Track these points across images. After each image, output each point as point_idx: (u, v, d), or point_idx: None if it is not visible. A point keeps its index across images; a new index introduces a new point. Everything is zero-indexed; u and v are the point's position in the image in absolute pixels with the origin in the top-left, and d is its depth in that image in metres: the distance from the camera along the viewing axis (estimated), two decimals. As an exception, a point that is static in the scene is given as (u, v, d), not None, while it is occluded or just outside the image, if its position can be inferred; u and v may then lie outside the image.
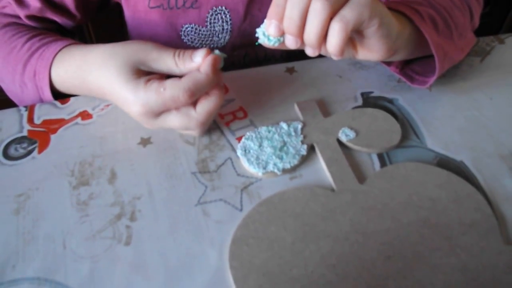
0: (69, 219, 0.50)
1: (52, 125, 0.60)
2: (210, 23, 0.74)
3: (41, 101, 0.64)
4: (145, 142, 0.57)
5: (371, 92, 0.65)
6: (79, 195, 0.52)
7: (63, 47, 0.63)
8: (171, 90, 0.50)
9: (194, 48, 0.74)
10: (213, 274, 0.45)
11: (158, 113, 0.53)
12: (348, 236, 0.47)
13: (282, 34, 0.49)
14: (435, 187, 0.52)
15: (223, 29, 0.74)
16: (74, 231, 0.49)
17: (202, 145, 0.57)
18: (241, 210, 0.51)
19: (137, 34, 0.77)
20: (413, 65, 0.66)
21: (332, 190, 0.52)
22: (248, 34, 0.76)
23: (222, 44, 0.77)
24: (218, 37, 0.75)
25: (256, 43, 0.52)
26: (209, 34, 0.75)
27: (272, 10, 0.49)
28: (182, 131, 0.57)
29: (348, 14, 0.47)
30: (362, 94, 0.65)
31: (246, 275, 0.44)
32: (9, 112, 0.62)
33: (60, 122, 0.60)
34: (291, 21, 0.47)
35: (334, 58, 0.50)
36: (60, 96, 0.64)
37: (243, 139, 0.57)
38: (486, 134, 0.60)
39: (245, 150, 0.55)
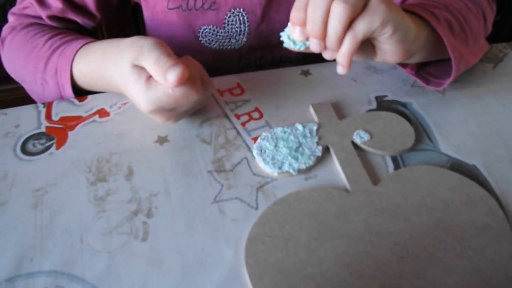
0: (87, 215, 0.50)
1: (70, 122, 0.60)
2: (228, 25, 0.74)
3: (62, 98, 0.66)
4: (162, 140, 0.58)
5: (385, 96, 0.66)
6: (96, 191, 0.52)
7: (84, 45, 0.64)
8: (181, 90, 0.51)
9: (212, 50, 0.76)
10: (228, 271, 0.46)
11: (169, 110, 0.54)
12: (362, 236, 0.48)
13: (307, 38, 0.50)
14: (448, 190, 0.52)
15: (240, 30, 0.75)
16: (91, 226, 0.49)
17: (219, 144, 0.58)
18: (256, 209, 0.51)
19: (155, 35, 0.78)
20: (429, 68, 0.67)
21: (347, 191, 0.53)
22: (264, 36, 0.77)
23: (239, 46, 0.77)
24: (235, 38, 0.76)
25: (283, 45, 0.53)
26: (227, 36, 0.75)
27: (294, 15, 0.49)
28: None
29: (358, 25, 0.48)
30: (376, 98, 0.65)
31: (262, 273, 0.45)
32: (27, 109, 0.63)
33: (78, 119, 0.61)
34: (314, 24, 0.48)
35: (340, 71, 0.51)
36: (80, 93, 0.65)
37: (259, 139, 0.57)
38: (498, 139, 0.60)
39: (261, 150, 0.56)
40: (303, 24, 0.49)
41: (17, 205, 0.51)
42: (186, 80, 0.51)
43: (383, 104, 0.64)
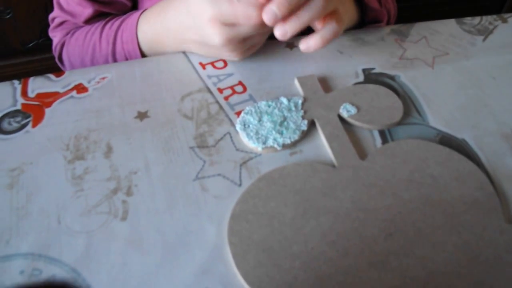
0: (64, 194, 0.49)
1: (47, 99, 0.59)
2: None
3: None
4: (142, 116, 0.56)
5: (373, 69, 0.64)
6: (74, 170, 0.51)
7: (139, 18, 0.67)
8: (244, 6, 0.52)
9: None
10: (211, 250, 0.45)
11: (227, 24, 0.54)
12: (349, 213, 0.47)
13: None
14: (437, 165, 0.51)
15: None
16: (69, 206, 0.48)
17: (201, 119, 0.56)
18: (240, 185, 0.50)
19: None
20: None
21: (333, 166, 0.52)
22: None
23: None
24: None
25: None
26: None
27: None
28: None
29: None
30: (364, 70, 0.64)
31: (245, 251, 0.44)
32: (2, 86, 0.60)
33: (55, 96, 0.59)
34: None
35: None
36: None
37: (242, 114, 0.56)
38: (488, 112, 0.59)
39: (244, 125, 0.54)
40: None
41: (-8, 185, 0.49)
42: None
43: (370, 77, 0.63)
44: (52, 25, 0.77)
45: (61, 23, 0.76)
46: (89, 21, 0.73)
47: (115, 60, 0.69)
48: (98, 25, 0.71)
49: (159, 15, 0.64)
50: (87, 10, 0.71)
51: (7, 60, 1.37)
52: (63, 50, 0.76)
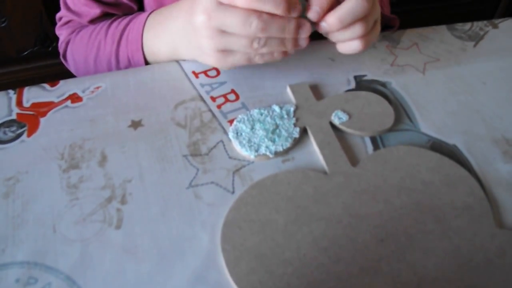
0: (59, 203, 0.49)
1: (42, 108, 0.59)
2: None
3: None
4: (136, 124, 0.57)
5: (364, 75, 0.65)
6: (69, 179, 0.51)
7: (146, 20, 0.67)
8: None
9: None
10: (205, 257, 0.45)
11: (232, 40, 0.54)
12: (341, 219, 0.47)
13: None
14: (428, 171, 0.52)
15: None
16: (64, 214, 0.48)
17: (194, 127, 0.57)
18: (233, 193, 0.50)
19: None
20: None
21: (325, 173, 0.52)
22: None
23: None
24: None
25: None
26: None
27: None
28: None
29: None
30: (355, 77, 0.64)
31: (238, 258, 0.44)
32: (-3, 95, 0.61)
33: (50, 105, 0.59)
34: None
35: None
36: None
37: (235, 122, 0.56)
38: (479, 118, 0.60)
39: (237, 133, 0.55)
40: None
41: (-12, 194, 0.50)
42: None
43: (362, 84, 0.64)
44: (58, 24, 0.78)
45: (67, 22, 0.77)
46: (95, 20, 0.74)
47: (117, 60, 0.69)
48: (103, 24, 0.72)
49: (166, 18, 0.64)
50: (94, 11, 0.72)
51: (3, 68, 1.38)
52: (68, 48, 0.77)
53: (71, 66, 0.79)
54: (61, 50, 0.79)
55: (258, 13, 0.51)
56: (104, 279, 0.43)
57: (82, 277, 0.44)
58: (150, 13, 0.68)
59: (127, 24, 0.69)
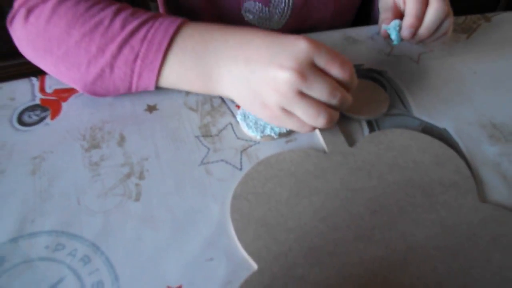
0: (82, 178, 0.53)
1: (63, 94, 0.63)
2: (273, 4, 0.75)
3: (123, 90, 0.59)
4: (151, 108, 0.61)
5: (362, 65, 0.69)
6: (91, 157, 0.55)
7: (180, 27, 0.56)
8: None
9: (250, 26, 0.75)
10: (216, 226, 0.49)
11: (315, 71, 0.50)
12: (338, 193, 0.52)
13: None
14: (419, 151, 0.56)
15: (283, 12, 0.76)
16: (87, 189, 0.52)
17: (205, 111, 0.61)
18: (241, 169, 0.54)
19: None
20: None
21: (324, 152, 0.56)
22: (301, 20, 0.79)
23: (277, 28, 0.78)
24: (276, 19, 0.77)
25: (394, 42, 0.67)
26: (269, 15, 0.76)
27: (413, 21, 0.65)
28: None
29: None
30: (354, 66, 0.67)
31: (246, 226, 0.48)
32: (21, 82, 0.64)
33: (71, 91, 0.63)
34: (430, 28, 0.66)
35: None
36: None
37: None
38: (469, 105, 0.63)
39: (244, 116, 0.59)
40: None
41: (17, 172, 0.54)
42: None
43: (360, 72, 0.67)
44: None
45: None
46: None
47: (120, 52, 0.55)
48: (106, 6, 0.56)
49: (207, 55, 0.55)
50: None
51: (17, 59, 1.41)
52: (42, 5, 0.56)
53: (29, 25, 0.57)
54: (28, 2, 0.57)
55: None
56: (125, 246, 0.48)
57: (105, 243, 0.48)
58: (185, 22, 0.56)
59: (150, 20, 0.55)
